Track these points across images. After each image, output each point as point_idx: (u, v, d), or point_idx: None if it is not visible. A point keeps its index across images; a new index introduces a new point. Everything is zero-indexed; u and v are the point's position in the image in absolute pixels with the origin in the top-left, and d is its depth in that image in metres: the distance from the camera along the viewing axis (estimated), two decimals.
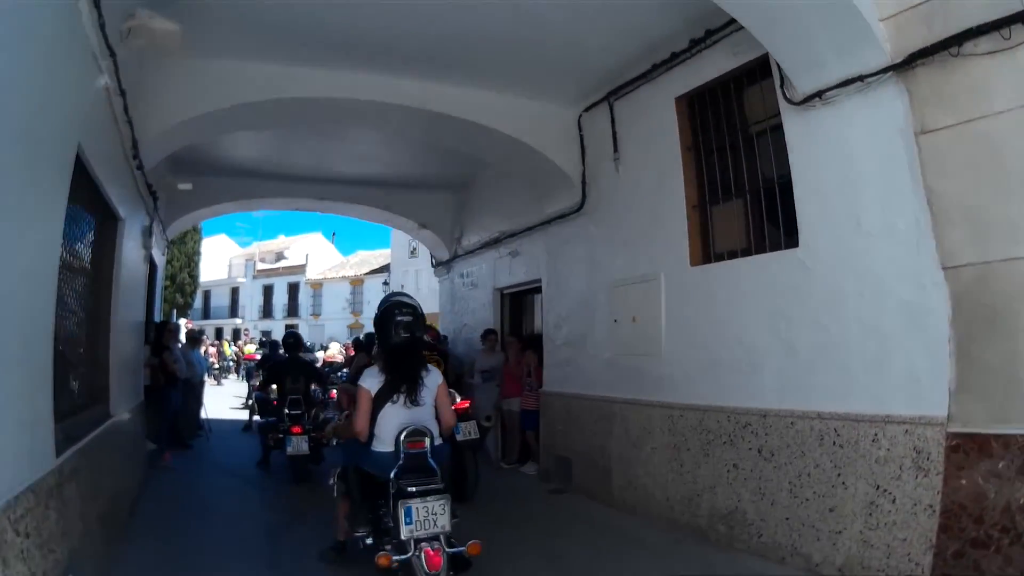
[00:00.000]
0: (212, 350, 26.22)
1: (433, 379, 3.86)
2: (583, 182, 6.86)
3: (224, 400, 16.06)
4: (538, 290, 8.23)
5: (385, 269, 35.89)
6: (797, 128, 4.52)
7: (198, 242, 31.87)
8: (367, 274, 37.85)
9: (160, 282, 9.14)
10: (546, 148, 6.81)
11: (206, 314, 42.91)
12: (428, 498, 3.42)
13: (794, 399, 4.51)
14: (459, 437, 5.92)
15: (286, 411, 7.25)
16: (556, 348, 7.37)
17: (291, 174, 9.41)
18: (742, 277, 5.01)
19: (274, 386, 7.87)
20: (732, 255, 5.19)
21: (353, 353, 16.24)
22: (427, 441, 3.64)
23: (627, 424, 5.98)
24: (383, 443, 3.68)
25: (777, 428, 4.59)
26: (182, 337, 10.23)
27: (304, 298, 40.58)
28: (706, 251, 5.46)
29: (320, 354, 19.42)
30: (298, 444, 6.82)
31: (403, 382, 3.72)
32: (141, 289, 6.87)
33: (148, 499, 6.17)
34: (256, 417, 13.10)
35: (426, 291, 33.84)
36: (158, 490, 6.60)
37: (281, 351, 19.52)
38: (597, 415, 6.41)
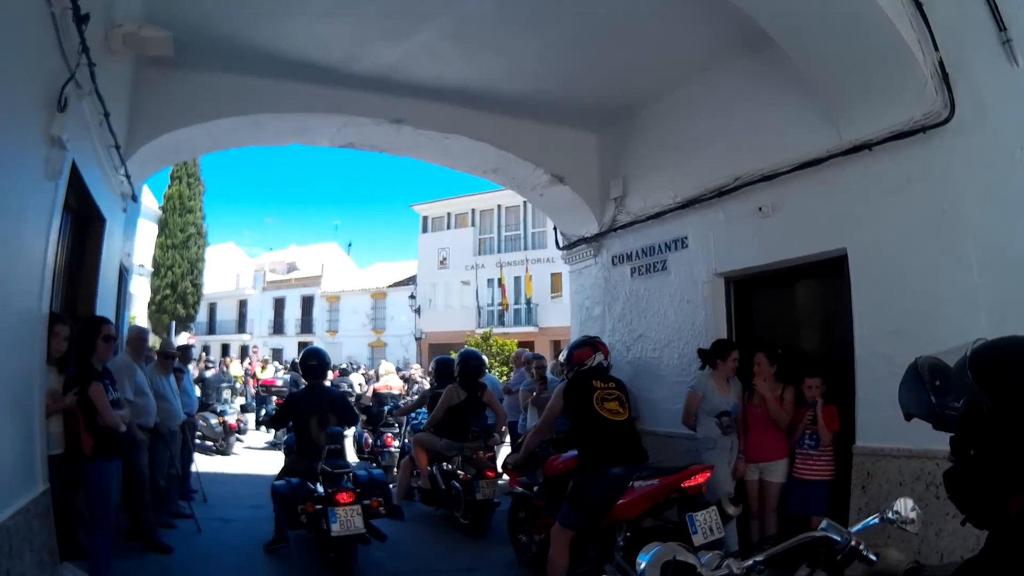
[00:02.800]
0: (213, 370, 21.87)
1: None
2: (943, 75, 3.80)
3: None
4: (813, 272, 4.95)
5: (410, 281, 32.38)
6: None
7: (202, 247, 28.92)
8: (391, 287, 34.14)
9: (112, 255, 5.30)
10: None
11: (211, 329, 39.52)
12: None
13: None
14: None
15: (322, 467, 4.95)
16: (891, 370, 3.57)
17: (340, 71, 5.49)
18: None
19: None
20: None
21: (417, 379, 12.45)
22: None
23: None
24: None
25: None
26: (157, 355, 6.36)
27: (319, 313, 36.69)
28: None
29: (356, 378, 15.56)
30: (348, 519, 4.59)
31: None
32: (35, 246, 3.20)
33: None
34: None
35: (458, 308, 30.67)
36: None
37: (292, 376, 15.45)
38: None
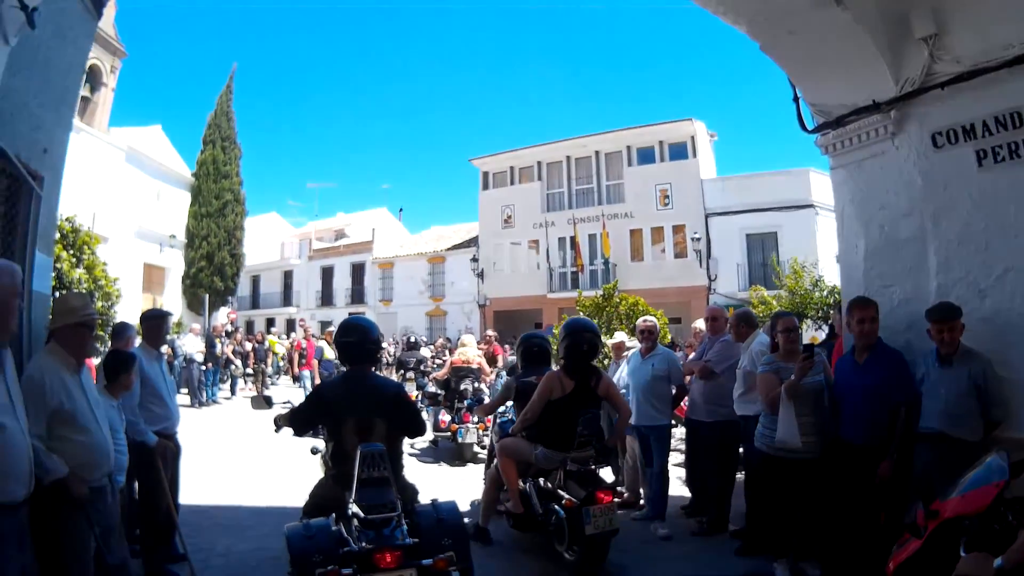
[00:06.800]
0: (242, 345, 16.90)
1: None
2: None
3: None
4: None
5: (471, 243, 29.73)
6: None
7: (241, 215, 26.75)
8: (449, 249, 31.49)
9: None
10: None
11: (255, 303, 37.64)
12: None
13: None
14: None
15: (353, 508, 3.02)
16: None
17: None
18: None
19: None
20: None
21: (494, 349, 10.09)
22: None
23: None
24: None
25: None
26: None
27: (371, 281, 34.01)
28: None
29: (426, 351, 13.27)
30: None
31: None
32: None
33: None
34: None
35: (525, 271, 27.52)
36: None
37: (332, 359, 12.00)
38: None
